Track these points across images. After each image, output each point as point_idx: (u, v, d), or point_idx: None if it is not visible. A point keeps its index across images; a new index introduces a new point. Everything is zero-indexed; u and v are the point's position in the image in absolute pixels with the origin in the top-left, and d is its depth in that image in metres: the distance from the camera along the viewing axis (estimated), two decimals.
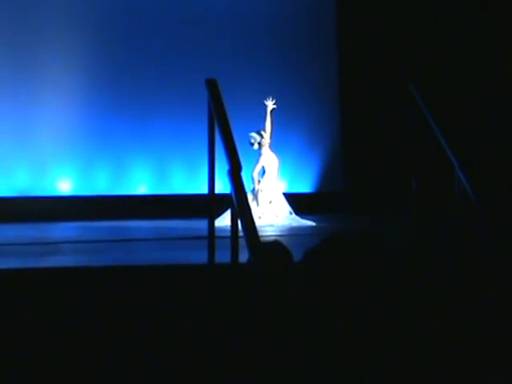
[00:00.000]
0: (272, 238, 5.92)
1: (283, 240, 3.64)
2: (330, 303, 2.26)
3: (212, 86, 5.51)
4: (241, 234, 4.76)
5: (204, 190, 5.87)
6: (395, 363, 2.25)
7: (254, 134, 10.00)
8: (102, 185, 11.25)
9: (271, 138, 10.07)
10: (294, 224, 9.61)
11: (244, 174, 5.06)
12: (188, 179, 11.41)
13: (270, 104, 10.08)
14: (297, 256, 3.07)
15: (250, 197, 9.36)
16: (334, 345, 2.24)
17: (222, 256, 5.13)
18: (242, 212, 4.71)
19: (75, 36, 11.19)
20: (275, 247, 3.31)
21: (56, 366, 3.70)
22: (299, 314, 2.35)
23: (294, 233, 8.64)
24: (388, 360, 2.24)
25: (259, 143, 10.02)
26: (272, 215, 9.74)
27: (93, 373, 3.63)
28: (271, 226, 9.44)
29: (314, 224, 9.56)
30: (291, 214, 9.88)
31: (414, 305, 2.46)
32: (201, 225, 6.54)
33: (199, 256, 5.51)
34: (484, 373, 2.38)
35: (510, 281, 2.91)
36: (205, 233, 5.59)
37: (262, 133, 10.03)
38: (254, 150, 10.01)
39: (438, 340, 2.38)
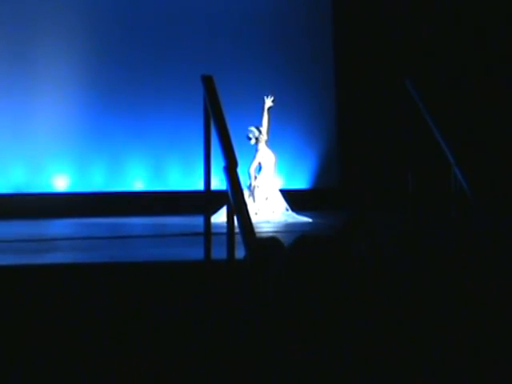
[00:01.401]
0: (269, 235, 5.92)
1: (279, 236, 3.63)
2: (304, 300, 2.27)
3: (208, 83, 5.51)
4: (237, 230, 4.76)
5: (200, 186, 5.86)
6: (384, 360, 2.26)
7: (252, 129, 10.02)
8: (98, 181, 11.24)
9: (268, 134, 10.10)
10: (290, 220, 9.62)
11: (240, 171, 5.06)
12: (184, 175, 11.40)
13: (268, 101, 10.10)
14: None
15: (246, 193, 9.38)
16: (328, 340, 2.24)
17: (219, 252, 5.13)
18: (238, 208, 4.70)
19: (72, 32, 11.17)
20: (271, 243, 3.32)
21: (53, 362, 3.70)
22: (293, 308, 2.35)
23: (290, 229, 8.64)
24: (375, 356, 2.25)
25: (256, 138, 10.04)
26: (268, 211, 9.75)
27: (89, 368, 3.63)
28: (267, 222, 9.45)
29: (310, 220, 9.57)
30: (287, 210, 9.90)
31: (405, 302, 2.46)
32: (197, 221, 6.54)
33: (195, 252, 5.51)
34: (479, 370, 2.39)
35: (506, 277, 2.91)
36: (201, 229, 5.59)
37: (261, 129, 10.06)
38: (250, 146, 10.03)
39: (429, 337, 2.39)
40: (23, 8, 11.02)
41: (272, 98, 10.12)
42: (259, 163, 10.00)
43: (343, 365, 2.26)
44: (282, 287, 2.38)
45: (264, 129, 10.06)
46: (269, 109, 10.11)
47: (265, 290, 2.94)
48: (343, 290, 2.31)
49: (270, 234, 6.34)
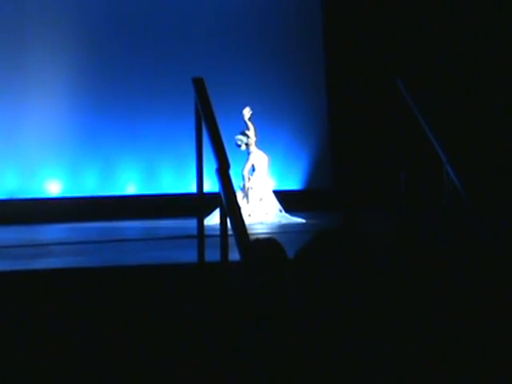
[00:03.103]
0: (265, 236, 5.92)
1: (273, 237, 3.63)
2: (322, 300, 2.27)
3: (199, 85, 5.51)
4: (230, 232, 4.76)
5: (193, 189, 5.86)
6: (389, 358, 2.26)
7: (239, 137, 10.03)
8: (91, 186, 11.23)
9: (256, 136, 10.12)
10: (284, 221, 9.63)
11: (233, 172, 5.06)
12: (176, 178, 11.40)
13: (246, 113, 10.12)
14: (288, 253, 3.07)
15: (240, 194, 9.39)
16: (330, 342, 2.24)
17: (212, 255, 5.12)
18: (231, 210, 4.70)
19: (62, 36, 11.16)
20: (268, 244, 3.31)
21: (48, 367, 3.70)
22: (293, 311, 2.35)
23: (283, 230, 8.65)
24: (382, 355, 2.25)
25: (246, 144, 10.06)
26: (262, 213, 9.76)
27: (85, 372, 3.63)
28: (261, 223, 9.46)
29: (303, 221, 9.58)
30: (281, 211, 9.90)
31: (404, 299, 2.46)
32: (190, 224, 6.54)
33: (189, 255, 5.50)
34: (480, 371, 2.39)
35: (499, 274, 2.91)
36: (194, 232, 5.59)
37: (247, 132, 10.06)
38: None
39: (428, 336, 2.39)
40: (13, 13, 11.00)
41: (249, 108, 10.13)
42: (252, 165, 10.01)
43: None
44: (304, 285, 2.37)
45: (251, 132, 10.08)
46: (249, 118, 10.13)
47: (261, 291, 2.94)
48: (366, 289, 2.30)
49: (267, 235, 6.34)
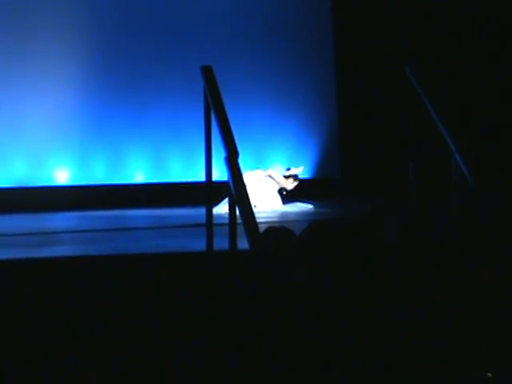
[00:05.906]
0: (279, 224, 5.91)
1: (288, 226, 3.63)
2: (319, 289, 2.27)
3: (208, 73, 5.51)
4: (239, 220, 4.76)
5: (201, 177, 5.86)
6: (389, 344, 2.26)
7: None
8: (99, 174, 11.23)
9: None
10: (293, 209, 9.62)
11: (241, 161, 5.05)
12: (185, 167, 11.40)
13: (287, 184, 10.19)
14: None
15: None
16: (336, 333, 2.25)
17: (221, 243, 5.13)
18: (240, 199, 4.70)
19: (71, 24, 11.15)
20: (281, 232, 3.31)
21: (56, 357, 3.70)
22: (300, 299, 2.35)
23: (292, 218, 8.64)
24: (382, 341, 2.25)
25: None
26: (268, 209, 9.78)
27: (92, 362, 3.63)
28: (269, 212, 9.45)
29: (310, 207, 9.58)
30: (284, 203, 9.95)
31: (409, 288, 2.46)
32: (199, 212, 6.54)
33: (197, 243, 5.51)
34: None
35: (506, 264, 2.91)
36: (203, 220, 5.59)
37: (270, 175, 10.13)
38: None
39: (428, 325, 2.39)
40: (21, 1, 10.99)
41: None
42: (270, 175, 10.07)
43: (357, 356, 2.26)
44: (296, 272, 2.37)
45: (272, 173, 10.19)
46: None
47: (271, 279, 2.94)
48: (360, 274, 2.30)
49: (280, 224, 6.33)
